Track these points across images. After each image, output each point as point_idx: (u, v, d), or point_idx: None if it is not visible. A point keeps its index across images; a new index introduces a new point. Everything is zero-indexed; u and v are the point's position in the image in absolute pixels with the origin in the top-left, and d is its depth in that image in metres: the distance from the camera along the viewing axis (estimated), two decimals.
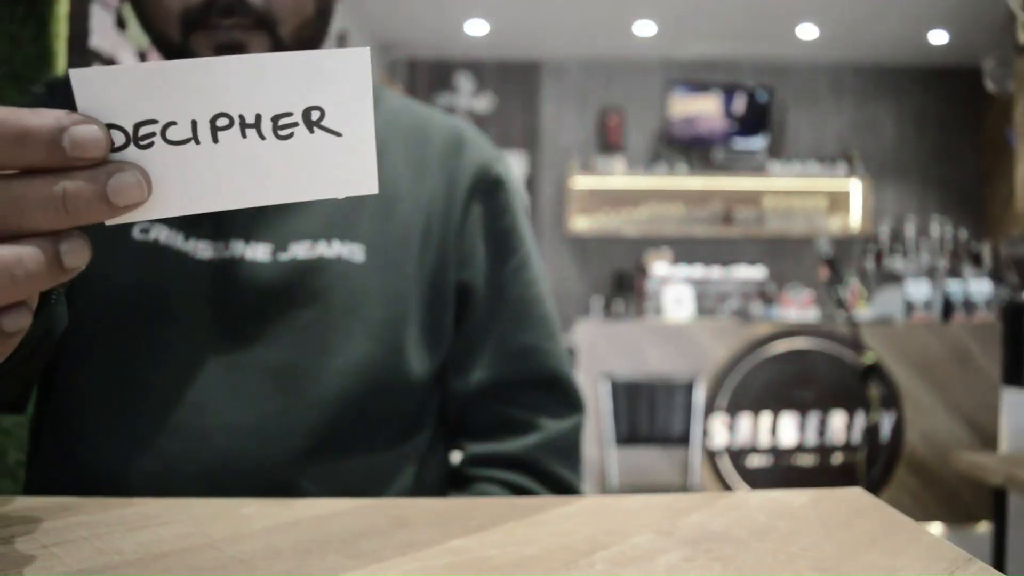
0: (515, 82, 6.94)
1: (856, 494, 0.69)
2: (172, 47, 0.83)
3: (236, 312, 0.84)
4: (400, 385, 0.89)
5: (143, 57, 2.07)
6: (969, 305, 4.65)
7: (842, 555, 0.53)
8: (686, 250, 6.80)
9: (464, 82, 6.87)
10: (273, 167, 0.44)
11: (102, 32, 1.85)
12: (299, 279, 0.85)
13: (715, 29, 6.34)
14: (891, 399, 4.11)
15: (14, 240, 0.39)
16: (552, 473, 0.93)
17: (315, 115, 0.44)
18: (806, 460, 4.13)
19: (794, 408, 4.11)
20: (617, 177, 6.81)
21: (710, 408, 4.01)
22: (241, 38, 0.82)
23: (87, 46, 1.78)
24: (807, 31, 6.31)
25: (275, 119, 0.43)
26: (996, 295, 4.65)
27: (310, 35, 0.88)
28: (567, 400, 0.96)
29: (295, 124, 0.44)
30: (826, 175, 6.94)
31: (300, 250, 0.86)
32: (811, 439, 4.13)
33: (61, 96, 0.92)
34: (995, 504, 2.35)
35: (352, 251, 0.88)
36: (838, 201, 7.07)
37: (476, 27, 6.24)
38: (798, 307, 5.21)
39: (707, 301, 5.88)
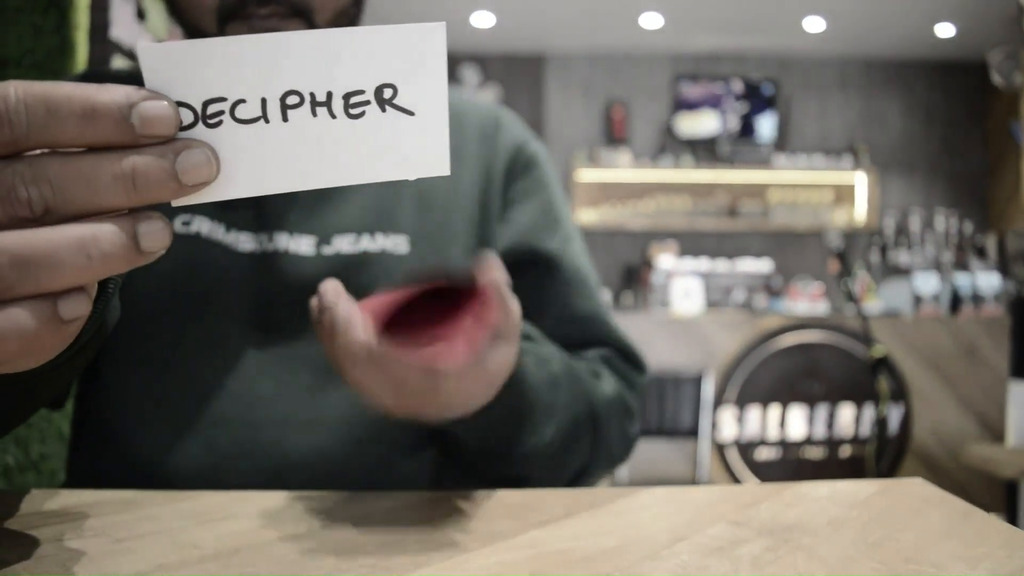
0: (520, 75, 6.93)
1: (919, 484, 0.69)
2: (206, 36, 0.83)
3: (279, 305, 0.84)
4: None
5: None
6: (977, 298, 4.64)
7: (921, 545, 0.53)
8: (692, 243, 6.80)
9: (469, 74, 6.86)
10: (343, 147, 0.42)
11: (122, 23, 1.84)
12: (343, 274, 0.84)
13: (721, 22, 6.33)
14: (899, 392, 4.11)
15: (86, 219, 0.37)
16: (623, 384, 0.92)
17: (387, 93, 0.42)
18: (814, 453, 4.13)
19: (803, 401, 4.11)
20: (622, 170, 6.80)
21: (719, 401, 4.01)
22: (277, 27, 0.81)
23: (107, 37, 1.78)
24: (814, 24, 6.29)
25: (346, 97, 0.42)
26: (1004, 288, 4.64)
27: (346, 23, 0.87)
28: (634, 361, 0.95)
29: (367, 103, 0.42)
30: (832, 168, 6.93)
31: (344, 244, 0.86)
32: (819, 432, 4.13)
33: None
34: (1007, 496, 2.35)
35: (396, 243, 0.88)
36: (844, 194, 7.06)
37: (482, 19, 6.23)
38: (807, 300, 5.21)
39: (713, 294, 5.88)
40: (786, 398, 4.10)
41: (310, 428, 0.81)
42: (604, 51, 6.93)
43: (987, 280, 4.69)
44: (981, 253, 6.66)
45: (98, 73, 0.94)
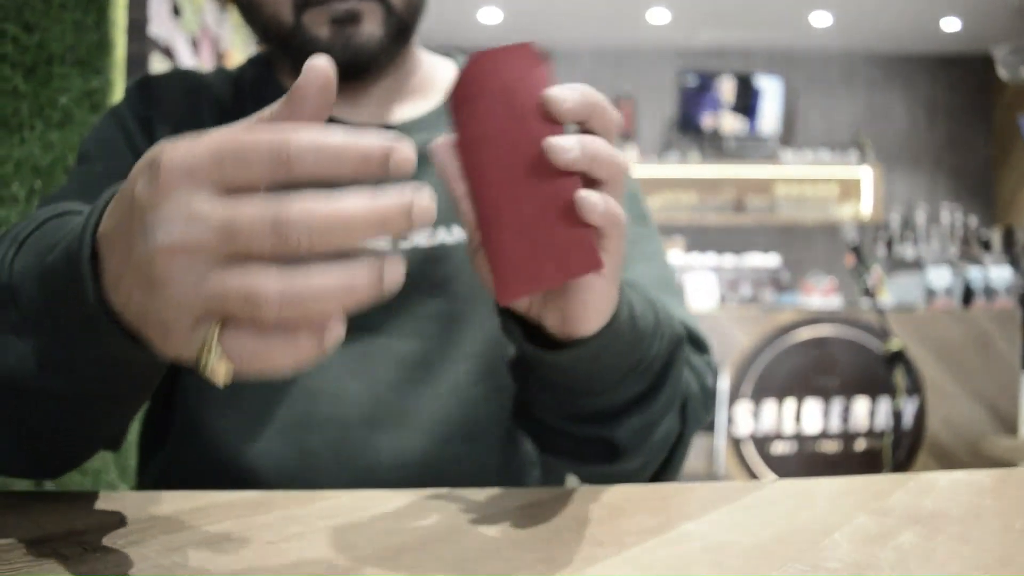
0: None
1: None
2: (284, 29, 0.82)
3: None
4: None
5: (195, 45, 2.06)
6: (989, 291, 4.65)
7: None
8: (699, 238, 6.80)
9: None
10: None
11: (159, 20, 1.83)
12: (422, 268, 0.84)
13: (727, 16, 6.33)
14: (913, 385, 4.11)
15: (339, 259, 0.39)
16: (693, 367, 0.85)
17: None
18: (830, 446, 4.13)
19: (818, 395, 4.11)
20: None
21: (734, 396, 4.01)
22: (356, 8, 0.81)
23: (145, 34, 1.77)
24: (820, 19, 6.30)
25: None
26: (1016, 281, 4.65)
27: (419, 4, 0.87)
28: (697, 342, 0.88)
29: None
30: (837, 163, 6.93)
31: (421, 237, 0.85)
32: (835, 426, 4.13)
33: (158, 92, 0.91)
34: None
35: None
36: (849, 188, 7.07)
37: (489, 15, 6.22)
38: (820, 294, 5.21)
39: (720, 289, 5.88)
40: (801, 392, 4.10)
41: (399, 426, 0.81)
42: (610, 47, 6.93)
43: (999, 273, 4.70)
44: (986, 247, 6.68)
45: (155, 80, 0.93)
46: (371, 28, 0.82)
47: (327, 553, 0.49)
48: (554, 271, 0.49)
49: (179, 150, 0.39)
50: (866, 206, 7.02)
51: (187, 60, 2.01)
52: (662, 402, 0.71)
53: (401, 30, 0.85)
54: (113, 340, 0.46)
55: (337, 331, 0.40)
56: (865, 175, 7.02)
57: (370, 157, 0.39)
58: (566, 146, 0.48)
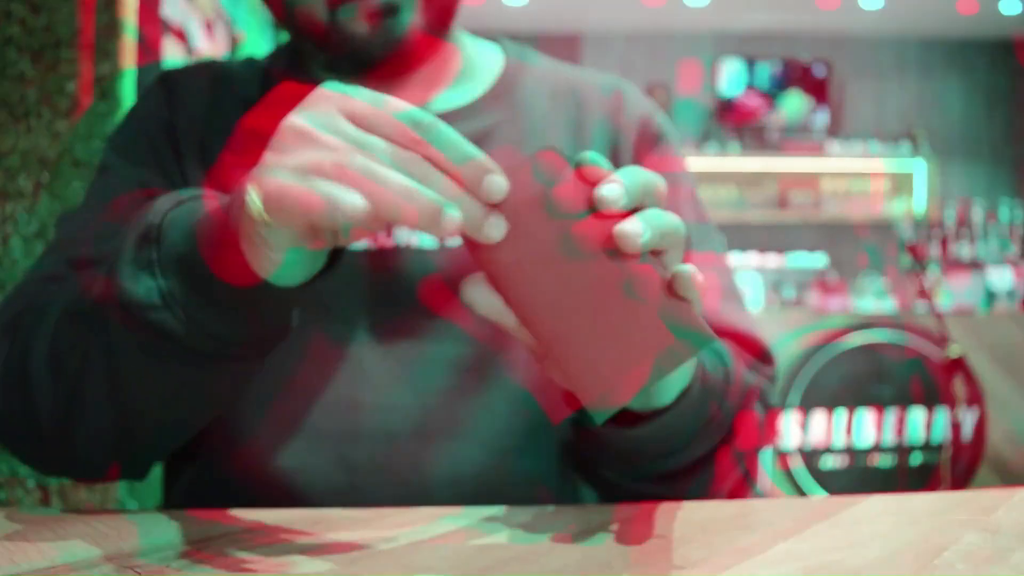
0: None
1: None
2: (318, 25, 0.82)
3: (403, 305, 0.82)
4: None
5: (209, 27, 2.06)
6: None
7: None
8: (739, 236, 6.75)
9: None
10: None
11: (173, 1, 1.83)
12: (470, 267, 0.83)
13: None
14: (973, 395, 4.07)
15: None
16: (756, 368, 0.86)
17: None
18: (884, 460, 4.10)
19: (871, 405, 4.08)
20: None
21: (781, 405, 3.98)
22: (390, 1, 0.80)
23: (158, 15, 1.77)
24: (871, 1, 6.26)
25: None
26: None
27: None
28: (760, 353, 0.90)
29: None
30: (888, 155, 6.89)
31: None
32: (889, 438, 4.10)
33: (179, 88, 0.91)
34: None
35: None
36: (901, 183, 7.01)
37: None
38: (873, 296, 5.17)
39: (764, 290, 5.85)
40: (853, 402, 4.07)
41: (451, 438, 0.80)
42: (644, 30, 6.91)
43: None
44: None
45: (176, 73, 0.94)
46: (410, 18, 0.82)
47: (397, 573, 0.49)
48: (659, 362, 0.50)
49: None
50: (919, 202, 6.96)
51: (201, 43, 2.01)
52: (727, 456, 0.75)
53: (441, 16, 0.85)
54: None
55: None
56: (918, 169, 6.96)
57: (482, 170, 0.49)
58: (637, 230, 0.49)
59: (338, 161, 0.48)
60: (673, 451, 0.70)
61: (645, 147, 0.94)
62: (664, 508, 0.64)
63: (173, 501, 0.89)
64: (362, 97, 0.51)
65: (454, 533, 0.57)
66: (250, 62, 0.95)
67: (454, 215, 0.47)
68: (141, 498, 1.65)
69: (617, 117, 0.94)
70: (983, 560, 0.50)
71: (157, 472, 1.68)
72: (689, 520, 0.60)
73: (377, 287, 0.83)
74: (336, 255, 0.59)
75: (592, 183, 0.50)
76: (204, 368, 0.64)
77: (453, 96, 0.92)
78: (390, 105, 0.50)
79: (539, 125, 0.91)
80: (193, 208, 0.61)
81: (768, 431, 0.84)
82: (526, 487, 0.81)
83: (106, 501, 1.53)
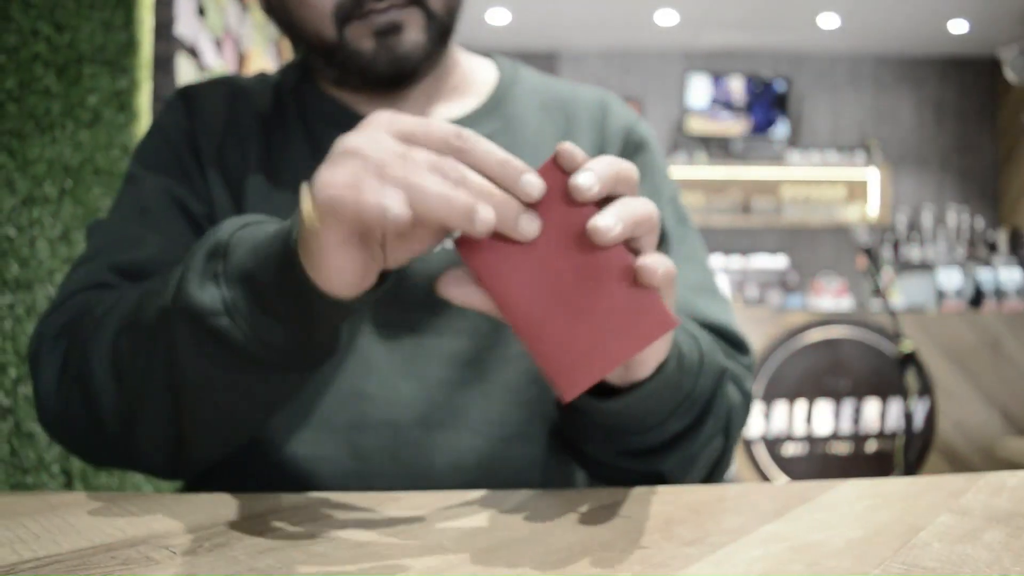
0: None
1: None
2: (327, 43, 0.82)
3: (404, 301, 0.82)
4: None
5: (219, 45, 2.05)
6: (1000, 293, 4.64)
7: None
8: (705, 239, 6.76)
9: None
10: None
11: (185, 20, 1.83)
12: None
13: (735, 18, 6.32)
14: (924, 387, 4.10)
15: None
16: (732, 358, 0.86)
17: None
18: (841, 448, 4.13)
19: (829, 396, 4.10)
20: None
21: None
22: (397, 19, 0.81)
23: (171, 34, 1.77)
24: (828, 20, 6.29)
25: None
26: None
27: (457, 5, 0.87)
28: (736, 343, 0.88)
29: None
30: (844, 164, 6.93)
31: None
32: (845, 427, 4.12)
33: (199, 102, 0.91)
34: None
35: None
36: (856, 190, 7.06)
37: (497, 16, 6.22)
38: (831, 296, 5.20)
39: (729, 290, 5.87)
40: (812, 393, 4.09)
41: (453, 427, 0.80)
42: (617, 48, 6.93)
43: (1009, 275, 4.69)
44: (993, 248, 6.67)
45: (195, 91, 0.94)
46: (413, 36, 0.82)
47: (419, 554, 0.49)
48: (626, 345, 0.51)
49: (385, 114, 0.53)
50: (873, 208, 7.01)
51: (211, 60, 2.00)
52: (707, 431, 0.75)
53: (442, 33, 0.85)
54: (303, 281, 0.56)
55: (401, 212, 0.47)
56: (872, 177, 7.01)
57: (518, 171, 0.51)
58: (608, 224, 0.50)
59: (381, 168, 0.49)
60: (650, 426, 0.69)
61: (628, 153, 0.95)
62: (657, 491, 0.64)
63: (189, 487, 0.89)
64: (408, 119, 0.52)
65: (462, 515, 0.58)
66: (263, 77, 0.95)
67: (487, 213, 0.48)
68: (156, 482, 1.65)
69: (603, 127, 0.95)
70: (957, 539, 0.51)
71: None
72: (680, 503, 0.60)
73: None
74: (386, 275, 0.59)
75: (567, 172, 0.51)
76: (259, 376, 0.64)
77: (451, 108, 0.92)
78: (434, 124, 0.51)
79: (531, 135, 0.92)
80: (259, 228, 0.63)
81: (743, 414, 0.85)
82: (524, 473, 0.81)
83: (124, 485, 1.53)
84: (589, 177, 0.51)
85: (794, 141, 7.02)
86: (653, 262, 0.51)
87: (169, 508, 0.60)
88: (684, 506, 0.59)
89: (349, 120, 0.88)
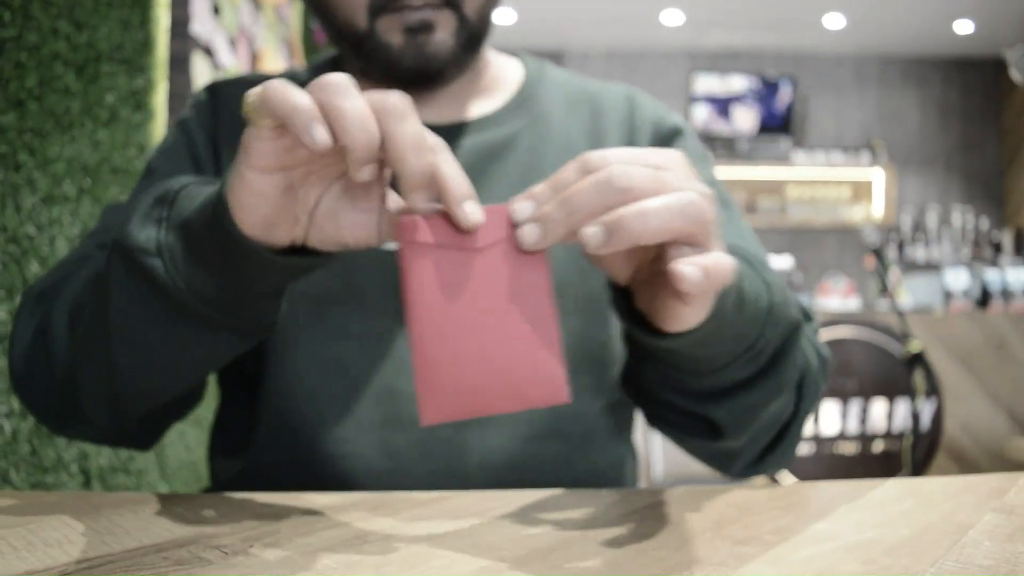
0: None
1: None
2: (358, 34, 0.82)
3: None
4: (609, 359, 0.87)
5: (233, 44, 2.05)
6: (1007, 293, 4.64)
7: None
8: None
9: None
10: None
11: (200, 19, 1.82)
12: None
13: (739, 19, 6.32)
14: (931, 387, 4.10)
15: None
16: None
17: None
18: (848, 448, 4.12)
19: (836, 396, 4.10)
20: None
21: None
22: (430, 18, 0.81)
23: (187, 32, 1.76)
24: (834, 21, 6.29)
25: None
26: None
27: (491, 10, 0.87)
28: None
29: None
30: (849, 165, 6.92)
31: None
32: (852, 427, 4.12)
33: (224, 99, 0.91)
34: None
35: None
36: (861, 190, 7.05)
37: (502, 15, 6.22)
38: (839, 296, 5.20)
39: None
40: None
41: (483, 426, 0.80)
42: (623, 48, 6.93)
43: (1016, 275, 4.68)
44: (998, 248, 6.67)
45: (220, 86, 0.94)
46: (443, 37, 0.82)
47: (473, 554, 0.49)
48: (505, 402, 0.49)
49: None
50: (878, 208, 7.00)
51: (226, 59, 2.00)
52: (771, 387, 0.69)
53: (472, 39, 0.85)
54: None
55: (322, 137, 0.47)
56: (877, 177, 7.00)
57: (463, 195, 0.50)
58: (598, 237, 0.48)
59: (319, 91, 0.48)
60: (709, 371, 0.66)
61: (661, 144, 0.93)
62: (701, 491, 0.64)
63: (221, 487, 0.89)
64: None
65: (507, 515, 0.57)
66: (291, 74, 0.95)
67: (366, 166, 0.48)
68: (172, 483, 1.65)
69: (631, 121, 0.94)
70: (1007, 537, 0.51)
71: (185, 458, 1.68)
72: (726, 502, 0.60)
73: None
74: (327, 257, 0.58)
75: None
76: (189, 332, 0.62)
77: (479, 106, 0.92)
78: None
79: (558, 131, 0.92)
80: (212, 185, 0.62)
81: (819, 379, 0.81)
82: (553, 472, 0.81)
83: (141, 485, 1.53)
84: (534, 232, 0.50)
85: (799, 141, 7.01)
86: (693, 271, 0.48)
87: (212, 508, 0.60)
88: (731, 505, 0.59)
89: None
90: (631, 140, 0.93)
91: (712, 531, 0.53)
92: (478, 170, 0.87)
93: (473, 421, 0.80)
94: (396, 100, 0.48)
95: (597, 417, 0.86)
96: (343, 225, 0.55)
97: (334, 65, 0.94)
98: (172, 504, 0.61)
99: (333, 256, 0.58)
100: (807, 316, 0.85)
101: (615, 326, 0.88)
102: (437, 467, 0.78)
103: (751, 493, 0.64)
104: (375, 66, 0.85)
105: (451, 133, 0.88)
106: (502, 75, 0.96)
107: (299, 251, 0.57)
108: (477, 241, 0.50)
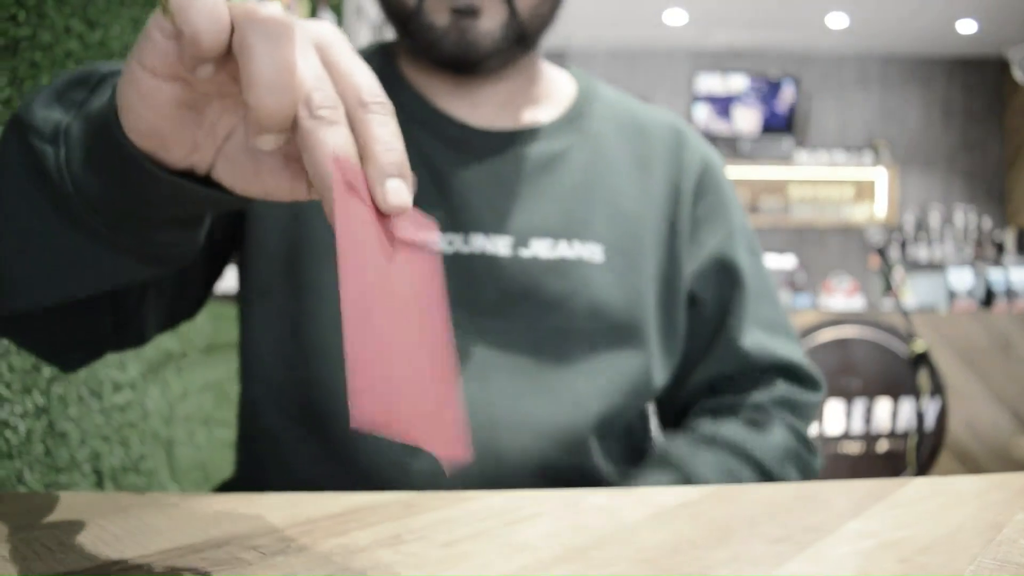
0: None
1: None
2: (406, 10, 0.83)
3: (476, 307, 0.82)
4: (645, 390, 0.88)
5: None
6: (1011, 293, 4.64)
7: None
8: None
9: None
10: None
11: None
12: (541, 279, 0.84)
13: (743, 17, 6.32)
14: (935, 387, 4.10)
15: None
16: (794, 427, 0.91)
17: None
18: (852, 448, 4.13)
19: (840, 396, 4.10)
20: None
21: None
22: (477, 2, 0.81)
23: None
24: (837, 20, 6.29)
25: None
26: None
27: (547, 10, 0.86)
28: (806, 380, 0.94)
29: None
30: (852, 164, 6.93)
31: (541, 248, 0.85)
32: (857, 427, 4.12)
33: None
34: None
35: (592, 251, 0.86)
36: (864, 190, 7.06)
37: None
38: (843, 295, 5.20)
39: None
40: (825, 393, 4.09)
41: (518, 431, 0.80)
42: (626, 47, 6.92)
43: (1020, 275, 4.69)
44: (1000, 248, 6.67)
45: None
46: (489, 26, 0.82)
47: (510, 553, 0.49)
48: (410, 427, 0.41)
49: None
50: (880, 207, 7.01)
51: None
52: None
53: (521, 36, 0.85)
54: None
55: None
56: (879, 176, 7.01)
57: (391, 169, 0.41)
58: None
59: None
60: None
61: (704, 190, 0.95)
62: (732, 489, 0.64)
63: (247, 487, 0.89)
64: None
65: (541, 513, 0.57)
66: None
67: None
68: (182, 483, 1.65)
69: (679, 158, 0.95)
70: None
71: (195, 459, 1.68)
72: (758, 500, 0.60)
73: (453, 291, 0.83)
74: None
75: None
76: (78, 236, 0.53)
77: (533, 114, 0.92)
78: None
79: (610, 152, 0.92)
80: None
81: (804, 457, 0.92)
82: (582, 479, 0.82)
83: (152, 485, 1.53)
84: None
85: (801, 141, 7.02)
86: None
87: (245, 508, 0.60)
88: (763, 504, 0.59)
89: (427, 115, 0.88)
90: (678, 175, 0.94)
91: (746, 529, 0.53)
92: (529, 181, 0.87)
93: (510, 427, 0.80)
94: (280, 17, 0.40)
95: (632, 427, 0.90)
96: (262, 170, 0.46)
97: (386, 54, 0.94)
98: (200, 504, 0.61)
99: (247, 200, 0.50)
100: (814, 385, 0.96)
101: (653, 355, 0.89)
102: (477, 470, 0.78)
103: (778, 491, 0.64)
104: (419, 46, 0.85)
105: (504, 140, 0.88)
106: (554, 87, 0.96)
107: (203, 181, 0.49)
108: (398, 230, 0.42)
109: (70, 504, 0.62)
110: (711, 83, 6.90)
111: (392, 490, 0.69)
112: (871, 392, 4.13)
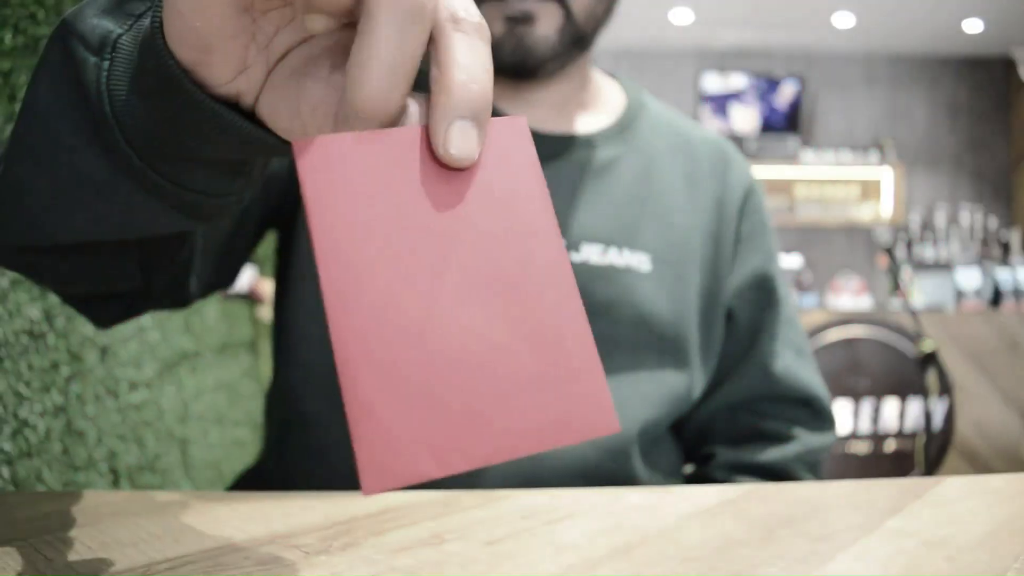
0: None
1: None
2: None
3: None
4: (685, 402, 0.89)
5: None
6: (1019, 293, 4.64)
7: None
8: None
9: None
10: None
11: None
12: (590, 285, 0.84)
13: (749, 17, 6.32)
14: (943, 387, 4.09)
15: None
16: (812, 444, 0.93)
17: None
18: (860, 447, 4.12)
19: (848, 396, 4.10)
20: None
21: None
22: (532, 9, 0.80)
23: None
24: (843, 19, 6.28)
25: None
26: None
27: (601, 11, 0.86)
28: (823, 416, 0.95)
29: None
30: (858, 163, 6.92)
31: (592, 253, 0.85)
32: (864, 427, 4.11)
33: None
34: None
35: (640, 261, 0.86)
36: (870, 189, 7.05)
37: None
38: (851, 294, 5.20)
39: None
40: (831, 393, 4.08)
41: None
42: (631, 46, 6.92)
43: None
44: (1006, 248, 6.66)
45: None
46: (545, 31, 0.81)
47: (554, 552, 0.49)
48: (523, 442, 0.32)
49: None
50: (886, 207, 7.00)
51: None
52: None
53: (577, 39, 0.85)
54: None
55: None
56: (885, 176, 7.00)
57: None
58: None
59: None
60: None
61: (748, 211, 0.96)
62: (770, 487, 0.64)
63: (281, 485, 0.88)
64: None
65: (583, 512, 0.57)
66: None
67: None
68: (196, 482, 1.65)
69: (724, 179, 0.95)
70: None
71: (209, 458, 1.68)
72: (796, 499, 0.60)
73: None
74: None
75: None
76: (107, 167, 0.46)
77: (585, 121, 0.92)
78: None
79: (660, 166, 0.92)
80: None
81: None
82: (619, 481, 0.82)
83: (166, 484, 1.53)
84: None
85: (807, 140, 7.01)
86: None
87: (281, 507, 0.60)
88: (799, 502, 0.59)
89: None
90: (723, 193, 0.94)
91: (787, 528, 0.53)
92: (583, 186, 0.87)
93: None
94: None
95: (670, 438, 0.92)
96: (304, 100, 0.39)
97: None
98: (238, 503, 0.61)
99: (285, 146, 0.42)
100: (828, 422, 0.97)
101: (695, 368, 0.90)
102: (514, 469, 0.78)
103: (816, 490, 0.64)
104: None
105: (559, 144, 0.88)
106: (603, 94, 0.96)
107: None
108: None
109: (107, 503, 0.62)
110: (717, 82, 6.89)
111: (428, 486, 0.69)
112: (879, 392, 4.12)
